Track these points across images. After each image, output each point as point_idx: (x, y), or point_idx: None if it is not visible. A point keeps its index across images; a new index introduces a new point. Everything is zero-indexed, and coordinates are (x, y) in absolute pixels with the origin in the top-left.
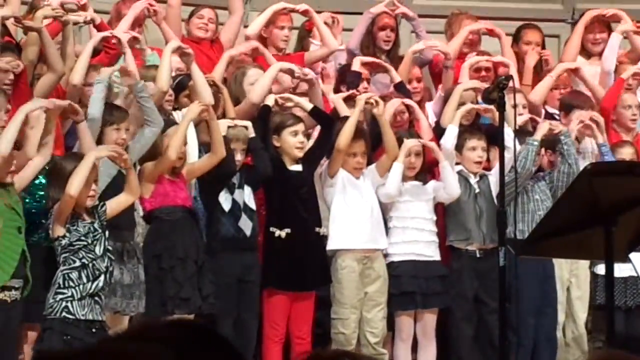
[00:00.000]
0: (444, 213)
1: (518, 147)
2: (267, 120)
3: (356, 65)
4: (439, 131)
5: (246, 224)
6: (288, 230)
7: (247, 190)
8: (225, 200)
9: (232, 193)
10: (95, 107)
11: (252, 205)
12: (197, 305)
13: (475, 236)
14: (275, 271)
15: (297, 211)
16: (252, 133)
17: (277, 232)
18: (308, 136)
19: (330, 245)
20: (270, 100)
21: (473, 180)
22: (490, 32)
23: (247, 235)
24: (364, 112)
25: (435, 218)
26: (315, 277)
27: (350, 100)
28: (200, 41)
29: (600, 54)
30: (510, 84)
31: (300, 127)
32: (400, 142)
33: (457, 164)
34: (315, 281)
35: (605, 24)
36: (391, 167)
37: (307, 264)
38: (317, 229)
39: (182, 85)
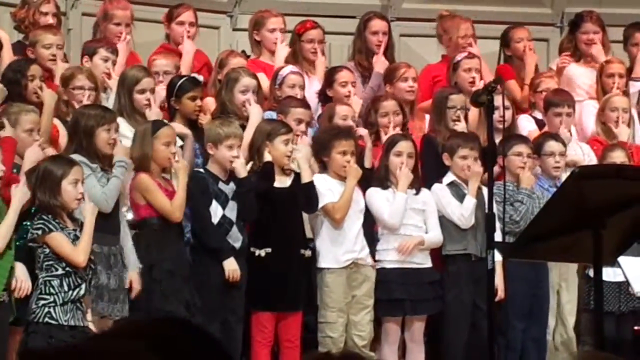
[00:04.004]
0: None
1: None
2: (271, 178)
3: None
4: (426, 145)
5: (236, 237)
6: (268, 249)
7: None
8: (215, 213)
9: (224, 208)
10: (112, 203)
11: None
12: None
13: (471, 247)
14: (258, 292)
15: (278, 230)
16: (243, 173)
17: (257, 252)
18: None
19: (319, 263)
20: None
21: (466, 190)
22: None
23: (237, 248)
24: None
25: (425, 226)
26: (299, 298)
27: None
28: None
29: (593, 55)
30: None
31: (291, 136)
32: (393, 144)
33: (447, 170)
34: (299, 301)
35: (599, 23)
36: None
37: (289, 285)
38: (301, 251)
39: (184, 88)
